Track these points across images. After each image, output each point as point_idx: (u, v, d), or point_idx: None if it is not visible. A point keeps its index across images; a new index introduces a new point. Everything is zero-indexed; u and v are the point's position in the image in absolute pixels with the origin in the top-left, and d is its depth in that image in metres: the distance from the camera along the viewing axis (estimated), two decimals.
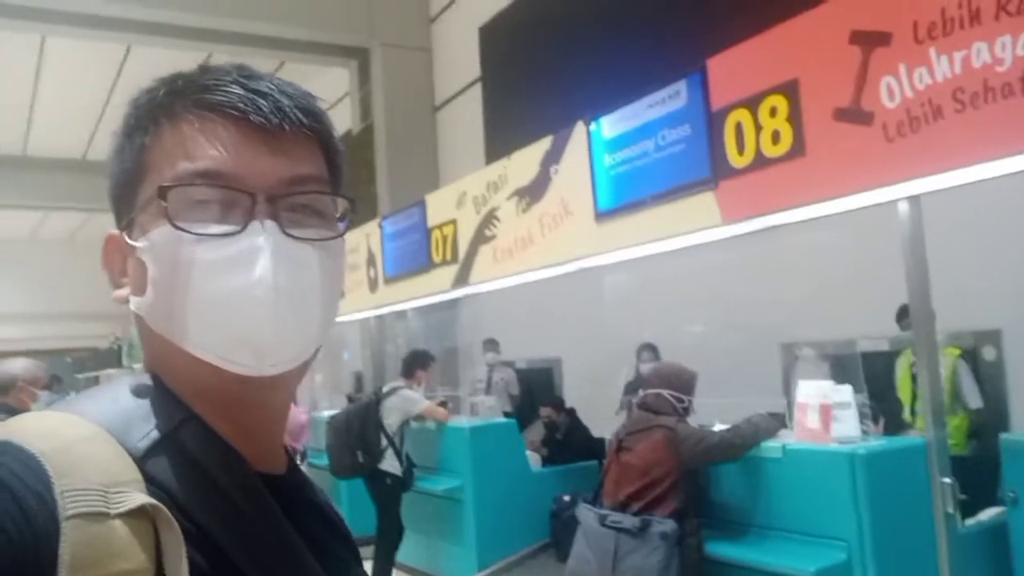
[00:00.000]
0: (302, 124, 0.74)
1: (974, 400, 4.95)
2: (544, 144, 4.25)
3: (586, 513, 3.70)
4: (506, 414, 6.36)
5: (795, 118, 2.94)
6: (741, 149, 3.15)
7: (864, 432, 3.37)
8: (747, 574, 3.34)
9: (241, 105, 0.72)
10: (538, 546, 5.34)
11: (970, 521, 3.24)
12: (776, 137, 3.01)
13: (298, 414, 6.20)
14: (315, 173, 0.76)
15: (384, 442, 5.55)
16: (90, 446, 0.62)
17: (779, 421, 3.62)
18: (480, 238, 4.82)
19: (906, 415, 5.02)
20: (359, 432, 5.57)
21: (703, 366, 4.20)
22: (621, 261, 4.16)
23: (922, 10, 2.54)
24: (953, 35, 2.48)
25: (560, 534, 4.94)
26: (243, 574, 0.65)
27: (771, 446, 3.41)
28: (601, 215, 3.85)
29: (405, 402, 5.67)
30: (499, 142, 8.31)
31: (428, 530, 5.76)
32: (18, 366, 4.29)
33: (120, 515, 0.59)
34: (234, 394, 0.72)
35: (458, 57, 9.72)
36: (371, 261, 6.29)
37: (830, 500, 3.12)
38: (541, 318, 7.74)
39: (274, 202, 0.72)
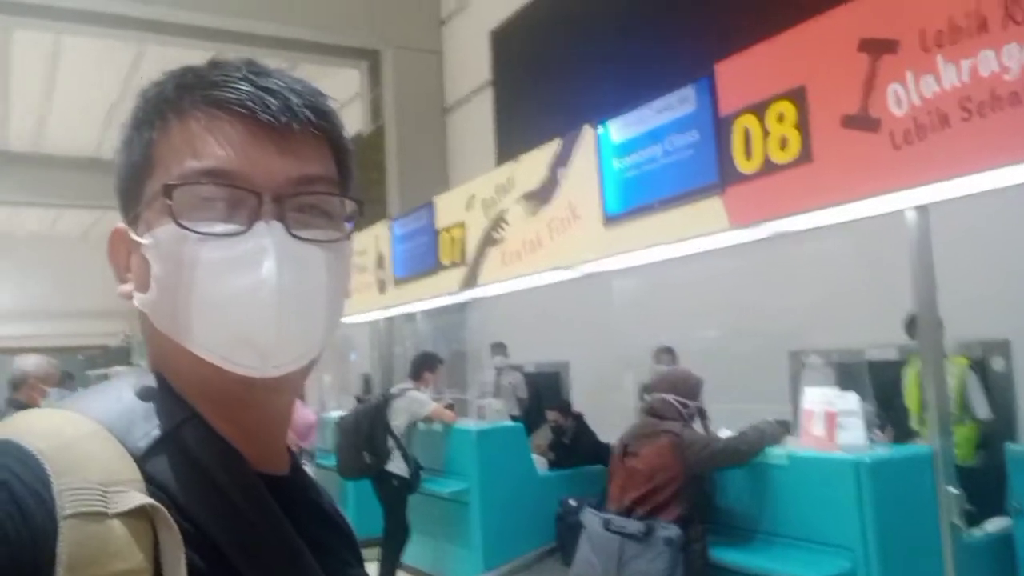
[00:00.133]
0: (311, 123, 0.73)
1: (982, 410, 4.92)
2: (553, 148, 4.26)
3: (591, 517, 3.70)
4: (513, 418, 6.36)
5: (803, 124, 2.94)
6: (749, 155, 3.15)
7: (871, 440, 3.37)
8: None
9: (249, 103, 0.71)
10: (544, 550, 5.34)
11: (976, 531, 3.23)
12: (784, 143, 3.01)
13: (307, 414, 6.22)
14: (323, 173, 0.75)
15: (391, 444, 5.56)
16: (90, 445, 0.62)
17: (785, 428, 3.61)
18: (488, 241, 4.83)
19: (914, 424, 4.99)
20: (367, 433, 5.58)
21: (711, 373, 4.21)
22: (630, 266, 4.16)
23: (930, 18, 2.54)
24: (960, 43, 2.48)
25: (566, 538, 4.93)
26: (242, 575, 0.65)
27: (777, 453, 3.41)
28: (609, 219, 3.85)
29: (413, 404, 5.68)
30: (509, 145, 8.32)
31: (434, 532, 5.77)
32: (31, 363, 4.32)
33: (118, 515, 0.58)
34: (237, 395, 0.71)
35: (469, 60, 9.75)
36: (380, 262, 6.31)
37: (835, 508, 3.12)
38: (549, 322, 7.75)
39: (280, 202, 0.71)
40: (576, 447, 6.09)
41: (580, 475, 5.64)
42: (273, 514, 0.70)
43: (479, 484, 5.36)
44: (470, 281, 5.06)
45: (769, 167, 3.07)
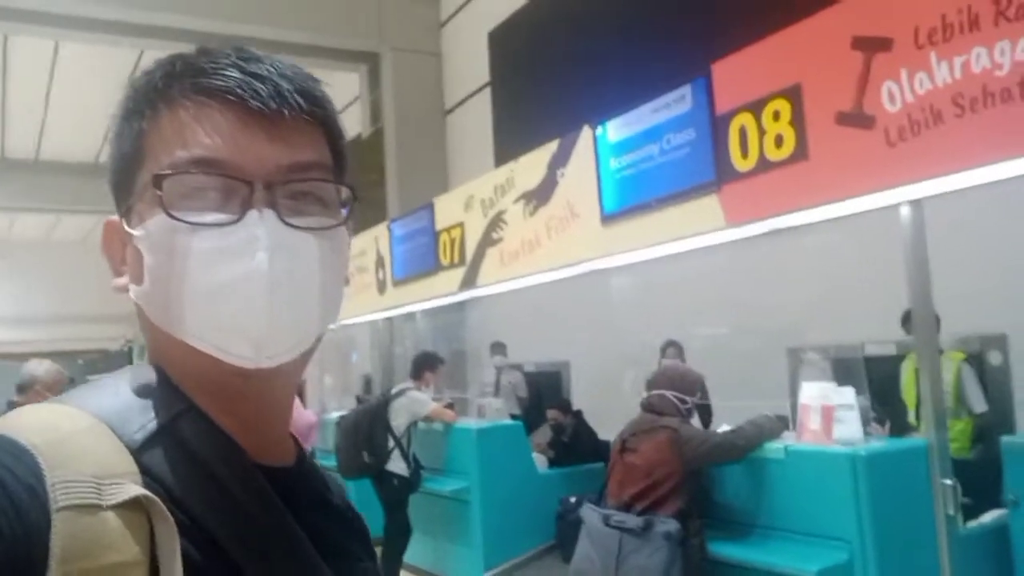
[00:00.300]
0: (302, 109, 0.72)
1: (979, 404, 4.95)
2: (551, 148, 4.29)
3: (590, 513, 3.73)
4: (513, 416, 6.39)
5: (798, 122, 2.97)
6: (745, 153, 3.19)
7: (868, 434, 3.40)
8: (750, 574, 3.36)
9: (238, 90, 0.70)
10: (544, 547, 5.37)
11: (972, 523, 3.26)
12: (779, 141, 3.04)
13: (307, 415, 6.25)
14: (316, 159, 0.74)
15: (391, 443, 5.59)
16: (85, 438, 0.62)
17: (783, 423, 3.64)
18: (487, 241, 4.86)
19: (911, 418, 5.03)
20: (367, 433, 5.61)
21: (711, 369, 4.24)
22: (628, 264, 4.19)
23: (923, 16, 2.57)
24: (953, 40, 2.51)
25: (566, 536, 4.96)
26: (239, 567, 0.64)
27: (774, 447, 3.43)
28: (607, 218, 3.89)
29: (413, 403, 5.71)
30: (508, 146, 8.36)
31: (435, 531, 5.80)
32: (41, 369, 4.30)
33: (113, 507, 0.58)
34: (233, 386, 0.71)
35: (467, 62, 9.79)
36: (380, 263, 6.34)
37: (832, 501, 3.14)
38: (549, 321, 7.78)
39: (272, 190, 0.70)
40: (576, 445, 6.12)
41: (580, 473, 5.67)
42: (272, 505, 0.69)
43: (479, 483, 5.38)
44: (469, 281, 5.09)
45: (765, 165, 3.10)
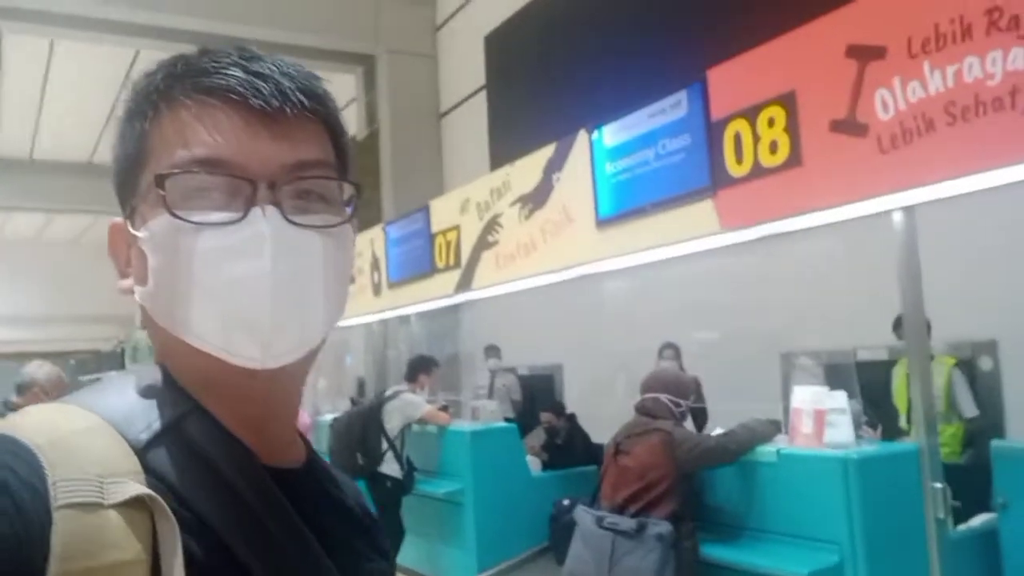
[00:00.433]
0: (304, 107, 0.72)
1: (969, 409, 5.00)
2: (547, 152, 4.32)
3: (583, 515, 3.75)
4: (507, 419, 6.41)
5: (792, 129, 3.00)
6: (740, 159, 3.21)
7: (860, 437, 3.43)
8: None
9: (240, 89, 0.69)
10: (537, 550, 5.39)
11: (962, 527, 3.29)
12: (774, 147, 3.07)
13: (301, 416, 6.25)
14: (319, 158, 0.73)
15: (385, 445, 5.61)
16: (88, 438, 0.62)
17: (775, 427, 3.67)
18: (483, 244, 4.88)
19: (902, 423, 5.06)
20: (360, 435, 5.63)
21: (704, 373, 4.28)
22: (622, 269, 4.22)
23: (916, 25, 2.61)
24: (946, 50, 2.54)
25: (559, 538, 4.98)
26: (244, 566, 0.64)
27: (766, 451, 3.46)
28: (602, 222, 3.91)
29: (407, 406, 5.73)
30: (503, 149, 8.39)
31: (429, 533, 5.81)
32: (42, 372, 4.28)
33: (115, 505, 0.58)
34: (239, 387, 0.70)
35: (463, 65, 9.81)
36: (375, 265, 6.35)
37: (823, 504, 3.17)
38: (543, 325, 7.80)
39: (276, 188, 0.69)
40: (569, 448, 6.15)
41: (573, 476, 5.69)
42: (279, 506, 0.69)
43: (473, 485, 5.40)
44: (465, 284, 5.11)
45: (759, 171, 3.13)
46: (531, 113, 8.12)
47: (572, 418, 6.47)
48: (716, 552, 3.48)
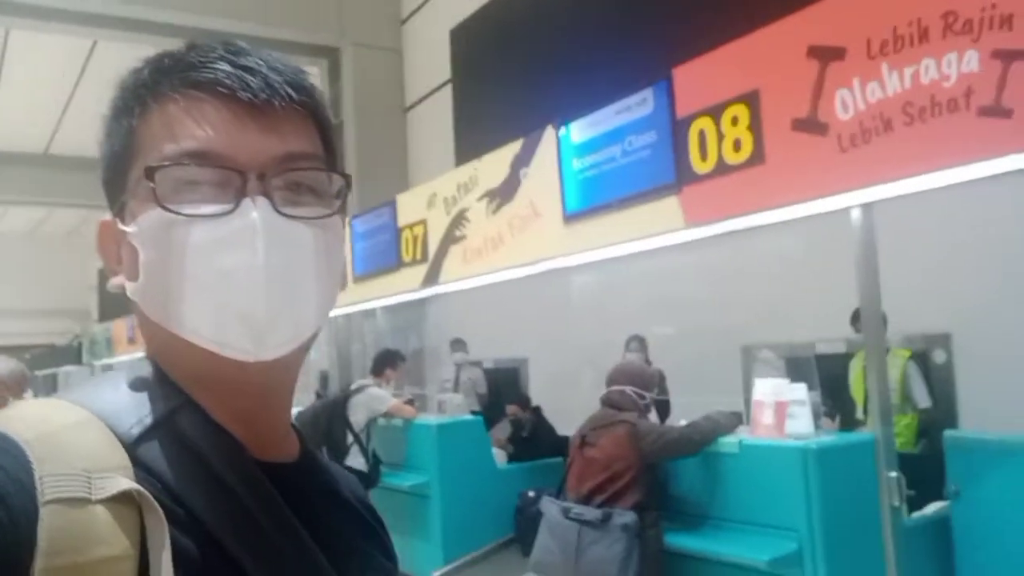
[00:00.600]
0: (292, 100, 0.72)
1: (923, 400, 5.15)
2: (514, 147, 4.35)
3: (550, 506, 3.81)
4: (473, 412, 6.45)
5: (755, 127, 3.07)
6: (704, 156, 3.27)
7: (819, 427, 3.52)
8: (704, 564, 3.47)
9: (228, 82, 0.70)
10: (503, 541, 5.43)
11: (916, 514, 3.39)
12: (737, 145, 3.13)
13: None
14: (308, 150, 0.74)
15: (350, 439, 5.62)
16: (77, 433, 0.62)
17: (737, 418, 3.75)
18: (450, 238, 4.90)
19: (859, 414, 5.19)
20: (326, 428, 5.63)
21: (667, 366, 4.35)
22: (588, 264, 4.26)
23: (875, 27, 2.68)
24: (903, 52, 2.62)
25: (524, 529, 5.03)
26: (235, 561, 0.64)
27: (728, 442, 3.54)
28: (569, 217, 3.96)
29: (372, 400, 5.74)
30: (469, 144, 8.41)
31: (395, 526, 5.72)
32: (6, 368, 4.18)
33: (103, 501, 0.58)
34: (232, 381, 0.70)
35: (429, 59, 9.81)
36: None
37: (783, 493, 3.25)
38: (508, 319, 7.85)
39: (266, 180, 0.70)
40: (535, 440, 6.20)
41: (539, 468, 5.74)
42: (270, 499, 0.69)
43: (439, 477, 5.43)
44: (432, 278, 5.12)
45: (723, 168, 3.19)
46: (497, 108, 8.15)
47: (538, 411, 6.52)
48: (679, 541, 3.56)
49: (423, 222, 5.20)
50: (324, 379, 9.00)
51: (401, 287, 5.53)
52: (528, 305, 7.15)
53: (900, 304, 3.97)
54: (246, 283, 0.68)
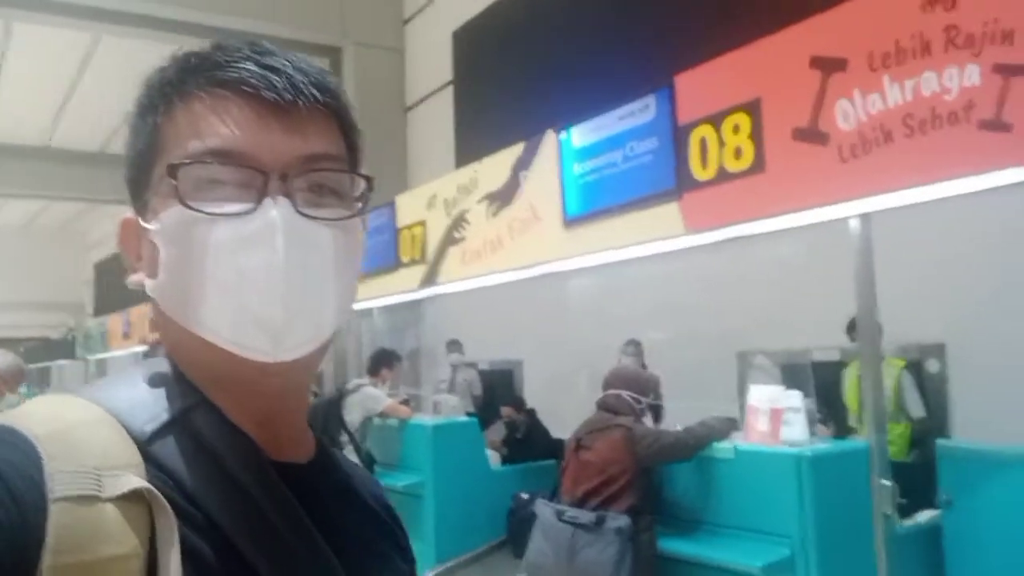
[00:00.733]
0: (317, 100, 0.72)
1: (917, 410, 5.17)
2: (516, 150, 4.37)
3: (544, 508, 3.83)
4: (468, 414, 6.46)
5: (756, 136, 3.09)
6: (705, 163, 3.30)
7: (813, 434, 3.54)
8: (697, 569, 3.49)
9: (253, 81, 0.70)
10: (495, 543, 5.45)
11: (907, 522, 3.42)
12: (738, 153, 3.16)
13: None
14: (331, 151, 0.74)
15: (345, 438, 5.63)
16: (89, 430, 0.62)
17: (732, 424, 3.77)
18: (449, 240, 4.92)
19: (852, 421, 5.22)
20: (321, 427, 5.64)
21: (663, 371, 4.36)
22: (586, 268, 4.29)
23: (877, 39, 2.71)
24: (905, 64, 2.65)
25: (517, 531, 5.05)
26: (248, 561, 0.64)
27: (723, 447, 3.56)
28: (569, 222, 3.98)
29: (368, 399, 5.75)
30: (469, 145, 8.42)
31: None
32: (4, 361, 4.17)
33: (113, 498, 0.57)
34: (250, 383, 0.70)
35: (430, 60, 9.82)
36: None
37: (777, 499, 3.28)
38: (504, 322, 7.86)
39: (288, 181, 0.70)
40: (529, 442, 6.22)
41: (532, 470, 5.77)
42: (284, 500, 0.69)
43: (433, 478, 5.45)
44: (430, 279, 5.14)
45: (724, 175, 3.22)
46: (498, 111, 8.17)
47: (532, 413, 6.54)
48: (673, 545, 3.58)
49: (422, 223, 5.22)
50: (320, 378, 9.01)
51: (399, 287, 5.54)
52: (524, 308, 7.16)
53: (895, 314, 4.00)
54: (265, 283, 0.68)
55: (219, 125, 0.70)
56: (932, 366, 5.32)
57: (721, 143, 3.23)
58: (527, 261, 4.32)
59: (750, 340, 6.14)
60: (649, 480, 3.73)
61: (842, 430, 4.96)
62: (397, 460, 5.87)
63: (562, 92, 7.13)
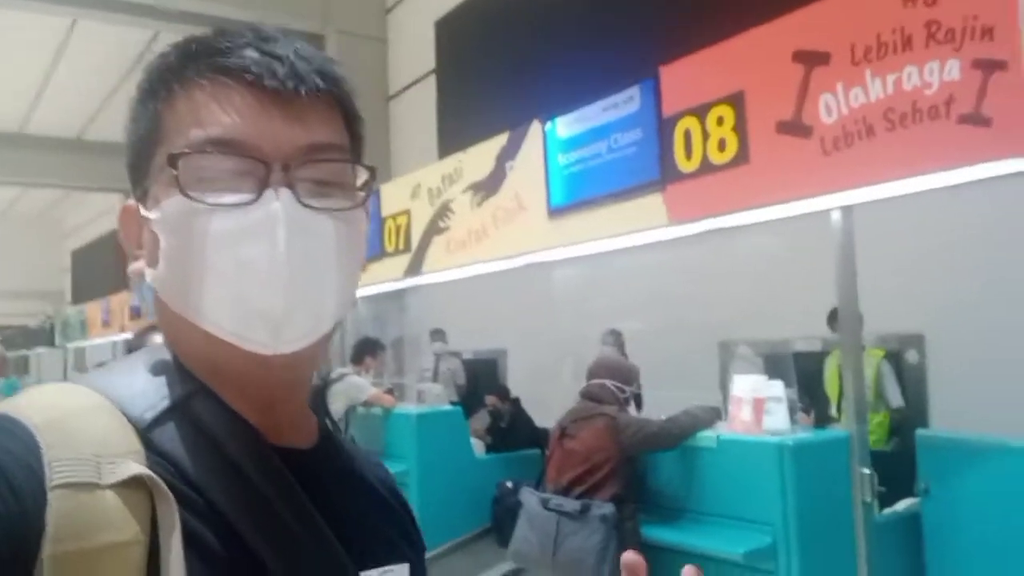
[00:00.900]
0: (319, 89, 0.71)
1: (896, 399, 5.24)
2: (500, 140, 4.37)
3: (529, 496, 3.85)
4: (452, 403, 6.48)
5: (740, 128, 3.11)
6: (689, 155, 3.32)
7: (795, 423, 3.59)
8: (680, 556, 3.52)
9: (255, 69, 0.69)
10: (480, 531, 5.47)
11: (887, 510, 3.47)
12: (722, 145, 3.18)
13: None
14: (333, 141, 0.73)
15: (329, 426, 5.63)
16: (88, 417, 0.61)
17: (715, 413, 3.81)
18: (434, 229, 4.93)
19: (833, 411, 5.29)
20: None
21: (646, 361, 4.39)
22: (569, 259, 4.31)
23: (860, 34, 2.73)
24: (887, 59, 2.68)
25: (502, 520, 5.08)
26: (251, 547, 0.64)
27: (706, 436, 3.59)
28: (554, 212, 3.99)
29: (351, 388, 5.76)
30: (451, 135, 8.42)
31: None
32: None
33: (112, 485, 0.57)
34: (252, 374, 0.70)
35: (413, 49, 9.79)
36: None
37: (759, 487, 3.31)
38: (488, 311, 7.88)
39: (289, 171, 0.69)
40: (513, 431, 6.25)
41: (517, 458, 5.79)
42: (286, 486, 0.68)
43: (418, 466, 5.46)
44: (414, 268, 5.15)
45: (708, 167, 3.24)
46: (481, 100, 8.16)
47: (516, 402, 6.57)
48: (657, 533, 3.61)
49: (407, 212, 5.22)
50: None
51: (383, 276, 5.54)
52: (509, 297, 7.18)
53: (875, 305, 4.05)
54: (266, 275, 0.67)
55: (220, 114, 0.69)
56: (911, 356, 5.40)
57: (705, 135, 3.25)
58: (511, 251, 4.33)
59: (733, 330, 6.19)
60: (633, 469, 3.76)
61: (822, 420, 5.02)
62: (381, 449, 5.87)
63: (545, 83, 7.13)
